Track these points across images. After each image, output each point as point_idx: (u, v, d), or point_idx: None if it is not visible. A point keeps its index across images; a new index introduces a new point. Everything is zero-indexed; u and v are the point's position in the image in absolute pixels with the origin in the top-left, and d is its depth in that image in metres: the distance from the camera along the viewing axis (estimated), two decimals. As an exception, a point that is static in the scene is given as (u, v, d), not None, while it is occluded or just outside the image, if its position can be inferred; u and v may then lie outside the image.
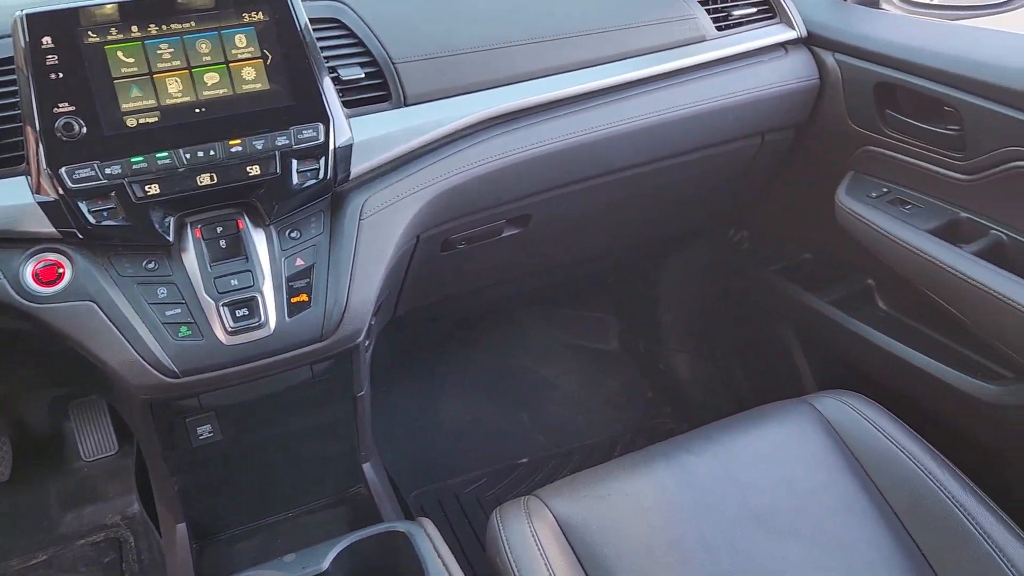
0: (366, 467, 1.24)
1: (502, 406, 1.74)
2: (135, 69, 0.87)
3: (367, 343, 1.08)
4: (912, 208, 1.17)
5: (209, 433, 1.03)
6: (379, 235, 0.96)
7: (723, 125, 1.23)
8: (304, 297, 0.91)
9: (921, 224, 1.14)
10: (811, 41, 1.27)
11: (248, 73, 0.90)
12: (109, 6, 0.86)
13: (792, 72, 1.24)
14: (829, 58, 1.25)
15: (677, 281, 1.75)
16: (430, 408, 1.72)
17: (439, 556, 0.91)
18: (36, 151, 0.84)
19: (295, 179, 0.91)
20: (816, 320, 1.41)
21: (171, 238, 0.89)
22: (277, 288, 0.91)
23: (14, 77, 0.87)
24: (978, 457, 1.10)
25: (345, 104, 0.98)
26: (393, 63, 1.03)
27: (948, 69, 1.08)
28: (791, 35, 1.25)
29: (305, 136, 0.91)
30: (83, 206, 0.84)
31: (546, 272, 1.53)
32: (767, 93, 1.22)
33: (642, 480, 1.01)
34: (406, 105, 1.03)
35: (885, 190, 1.22)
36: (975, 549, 0.92)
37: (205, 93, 0.89)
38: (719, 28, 1.22)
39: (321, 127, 0.92)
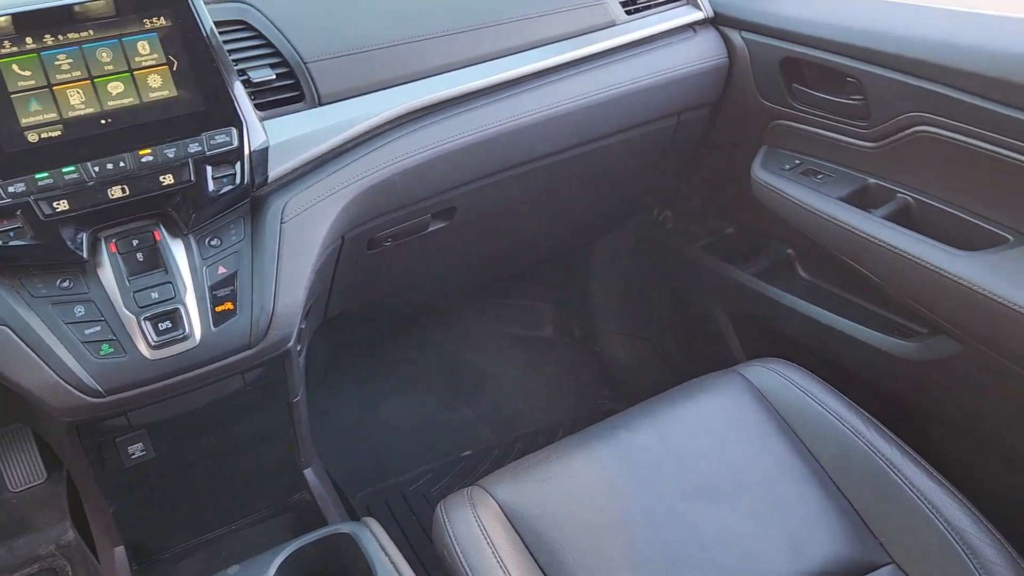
0: (307, 473, 1.22)
1: (443, 401, 1.74)
2: (33, 82, 0.84)
3: (299, 348, 1.07)
4: (823, 177, 1.21)
5: (141, 452, 1.00)
6: (302, 237, 0.95)
7: (639, 107, 1.25)
8: (229, 305, 0.90)
9: (833, 192, 1.18)
10: (718, 21, 1.30)
11: (154, 80, 0.88)
12: (1, 19, 0.83)
13: (701, 52, 1.27)
14: (736, 37, 1.28)
15: (607, 264, 1.77)
16: (370, 408, 1.71)
17: (386, 554, 0.90)
18: None
19: (211, 186, 0.89)
20: (741, 292, 1.44)
21: (85, 254, 0.86)
22: (200, 298, 0.89)
23: None
24: (900, 412, 1.15)
25: (258, 107, 0.96)
26: (304, 63, 1.02)
27: (848, 41, 1.12)
28: (698, 16, 1.28)
29: (218, 141, 0.89)
30: None
31: (477, 264, 1.53)
32: (679, 74, 1.25)
33: (583, 460, 1.03)
34: (321, 104, 1.01)
35: (797, 162, 1.26)
36: (902, 499, 0.96)
37: (110, 103, 0.86)
38: (628, 12, 1.24)
39: (234, 131, 0.90)
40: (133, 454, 1.00)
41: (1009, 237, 1.02)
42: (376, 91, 1.05)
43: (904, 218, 1.12)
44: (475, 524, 0.95)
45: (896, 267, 1.07)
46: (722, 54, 1.28)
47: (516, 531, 0.96)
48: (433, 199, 1.15)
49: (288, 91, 1.01)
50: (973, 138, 1.01)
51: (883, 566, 0.93)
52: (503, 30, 1.15)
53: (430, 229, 1.20)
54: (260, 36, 1.03)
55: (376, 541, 0.92)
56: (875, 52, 1.09)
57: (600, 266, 1.77)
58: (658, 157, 1.40)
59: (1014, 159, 0.98)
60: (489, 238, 1.39)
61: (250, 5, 1.05)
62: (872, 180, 1.17)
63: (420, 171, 1.07)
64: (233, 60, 0.97)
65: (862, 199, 1.17)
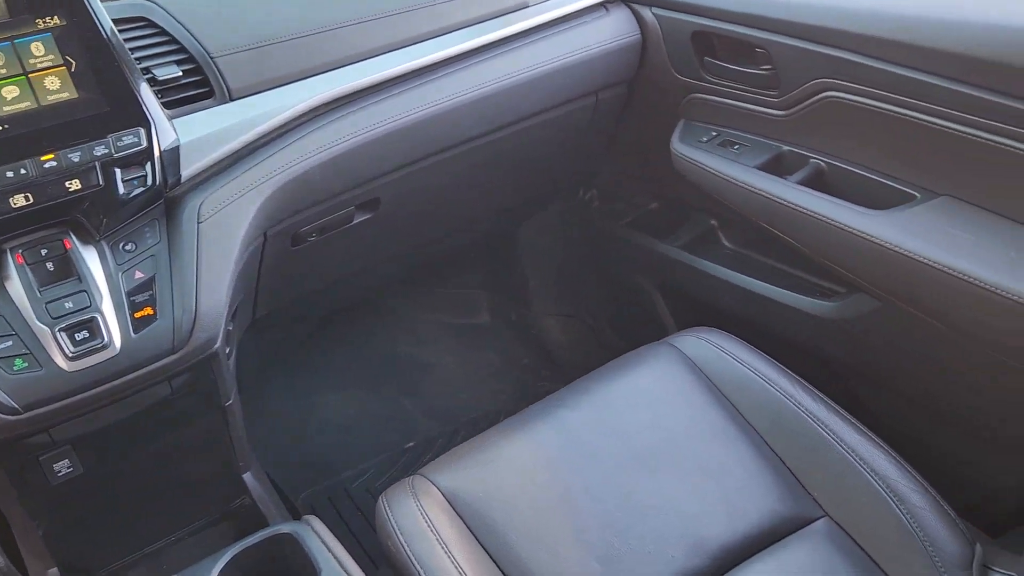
0: (246, 477, 1.20)
1: (383, 394, 1.73)
2: (-81, 91, 0.80)
3: (227, 350, 1.04)
4: (740, 148, 1.24)
5: (68, 468, 0.97)
6: (222, 236, 0.93)
7: (556, 88, 1.26)
8: (149, 311, 0.87)
9: (749, 161, 1.21)
10: (629, -2, 1.32)
11: (52, 83, 0.85)
12: None
13: (614, 30, 1.28)
14: (647, 13, 1.29)
15: (537, 247, 1.78)
16: (309, 406, 1.69)
17: (329, 551, 0.90)
18: None
19: (121, 189, 0.86)
20: (670, 265, 1.47)
21: (-10, 268, 0.83)
22: (118, 305, 0.86)
23: None
24: (827, 370, 1.19)
25: (166, 105, 0.94)
26: (211, 57, 0.99)
27: (755, 12, 1.15)
28: (609, -7, 1.29)
29: (126, 143, 0.86)
30: None
31: (407, 254, 1.52)
32: (594, 53, 1.26)
33: (522, 442, 1.03)
34: (232, 99, 0.99)
35: (714, 134, 1.28)
36: (831, 454, 1.00)
37: (5, 109, 0.82)
38: (540, -7, 1.24)
39: (142, 131, 0.87)
40: (59, 471, 0.96)
41: (916, 194, 1.06)
42: (289, 83, 1.03)
43: (818, 182, 1.15)
44: (418, 513, 0.95)
45: (812, 230, 1.11)
46: (634, 31, 1.30)
47: (460, 516, 0.96)
48: (356, 191, 1.13)
49: (196, 87, 0.98)
50: (877, 100, 1.05)
51: (817, 519, 0.96)
52: (417, 16, 1.14)
53: (355, 221, 1.19)
54: (164, 32, 1.00)
55: (319, 539, 0.91)
56: (780, 22, 1.12)
57: (531, 249, 1.78)
58: (580, 137, 1.41)
59: (917, 119, 1.01)
60: (416, 227, 1.38)
61: (152, 1, 1.02)
62: (786, 147, 1.20)
63: (340, 163, 1.06)
64: (137, 58, 0.94)
65: (777, 166, 1.20)
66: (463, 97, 1.14)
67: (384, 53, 1.11)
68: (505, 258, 1.82)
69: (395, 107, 1.10)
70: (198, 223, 0.92)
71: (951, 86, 0.96)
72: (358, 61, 1.09)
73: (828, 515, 0.96)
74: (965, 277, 0.96)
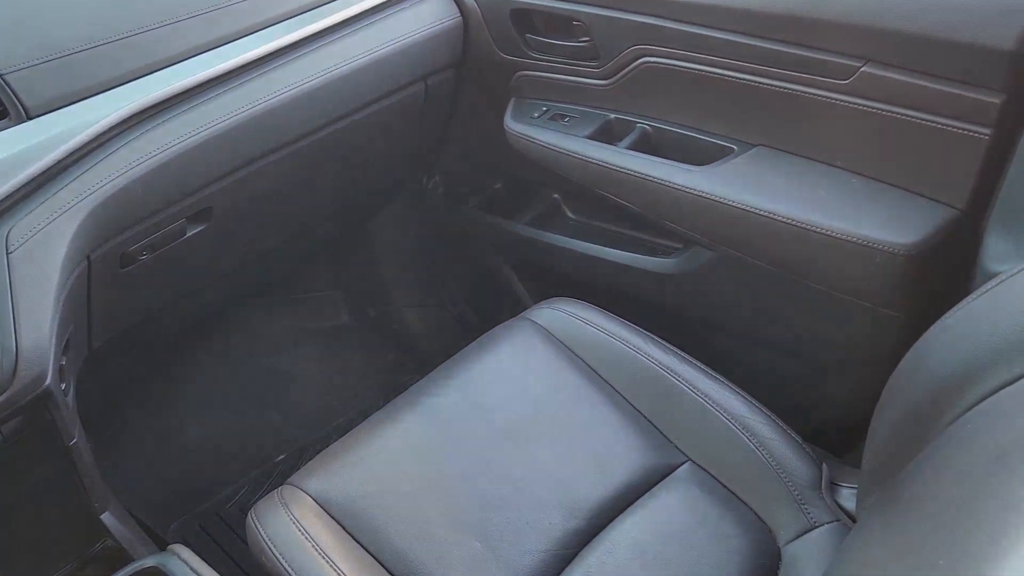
0: (105, 517, 1.13)
1: (247, 410, 1.67)
2: None
3: (63, 386, 0.98)
4: (570, 120, 1.27)
5: None
6: (36, 266, 0.86)
7: (383, 77, 1.24)
8: (-38, 354, 0.80)
9: (580, 132, 1.24)
10: (446, -19, 1.32)
11: None
12: None
13: (435, 14, 1.28)
14: (465, -6, 1.30)
15: (388, 240, 1.76)
16: (169, 432, 1.61)
17: (200, 576, 0.86)
18: None
19: (-90, 228, 0.79)
20: (520, 242, 1.49)
21: None
22: (-75, 353, 0.79)
23: None
24: (674, 323, 1.24)
25: (-47, 132, 0.86)
26: (1, 75, 0.92)
27: (567, -14, 1.18)
28: (424, -22, 1.29)
29: None
30: None
31: (252, 262, 1.47)
32: (416, 38, 1.25)
33: (390, 435, 1.03)
34: (31, 118, 0.92)
35: (544, 108, 1.31)
36: (687, 401, 1.05)
37: None
38: (355, -18, 1.22)
39: None
40: None
41: (734, 147, 1.12)
42: (96, 94, 0.97)
43: (645, 145, 1.20)
44: (290, 523, 0.92)
45: (644, 191, 1.15)
46: (454, 14, 1.30)
47: (335, 520, 0.94)
48: (184, 202, 1.08)
49: (-13, 109, 0.91)
50: (689, 62, 1.10)
51: (681, 465, 1.01)
52: (226, 14, 1.10)
53: (188, 234, 1.13)
54: None
55: (187, 567, 0.87)
56: (592, -7, 1.16)
57: (382, 243, 1.76)
58: (414, 125, 1.41)
59: (725, 76, 1.07)
60: (256, 234, 1.34)
61: None
62: (612, 115, 1.24)
63: (161, 174, 1.00)
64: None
65: (607, 134, 1.24)
66: (286, 94, 1.11)
67: (198, 54, 1.06)
68: (357, 255, 1.79)
69: (215, 110, 1.05)
70: (7, 254, 0.85)
71: (751, 42, 1.03)
72: (170, 65, 1.04)
73: (691, 459, 1.01)
74: (783, 219, 1.02)
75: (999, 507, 0.49)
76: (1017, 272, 0.67)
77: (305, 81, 1.14)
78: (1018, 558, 0.44)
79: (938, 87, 0.91)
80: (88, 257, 0.97)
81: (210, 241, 1.19)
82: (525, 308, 1.21)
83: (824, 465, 0.99)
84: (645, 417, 1.06)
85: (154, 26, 1.04)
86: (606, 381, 1.09)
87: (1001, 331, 0.65)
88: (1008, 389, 0.61)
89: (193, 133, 1.03)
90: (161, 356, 1.65)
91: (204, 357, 1.69)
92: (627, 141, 1.20)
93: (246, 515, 1.24)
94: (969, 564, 0.47)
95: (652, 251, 1.30)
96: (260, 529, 0.92)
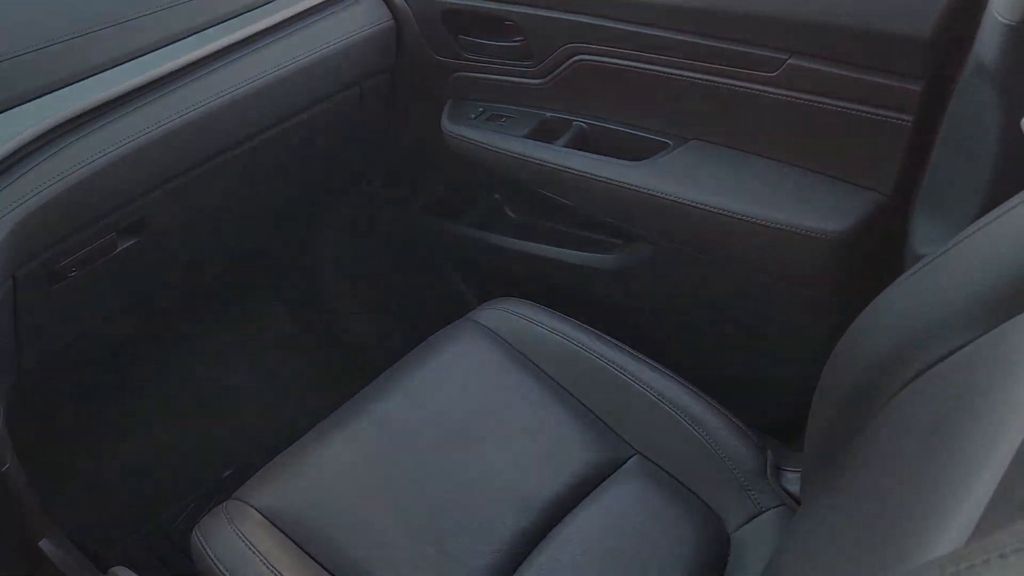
0: (43, 544, 1.09)
1: (191, 426, 1.63)
2: None
3: (-9, 411, 0.94)
4: (507, 120, 1.27)
5: None
6: None
7: (316, 82, 1.22)
8: None
9: (517, 132, 1.24)
10: (377, -17, 1.30)
11: None
12: None
13: (366, 17, 1.27)
14: (396, -3, 1.29)
15: (332, 246, 1.74)
16: (111, 453, 1.56)
17: (144, 599, 0.84)
18: None
19: None
20: (463, 244, 1.49)
21: None
22: None
23: None
24: (618, 317, 1.25)
25: None
26: (-92, 89, 0.88)
27: (497, -14, 1.18)
28: (356, -19, 1.28)
29: None
30: None
31: (191, 276, 1.44)
32: (348, 42, 1.24)
33: (337, 443, 1.01)
34: (-57, 134, 0.89)
35: (481, 109, 1.31)
36: (633, 394, 1.05)
37: None
38: (285, -14, 1.20)
39: None
40: None
41: (669, 142, 1.13)
42: (12, 107, 0.94)
43: (583, 143, 1.21)
44: (236, 539, 0.90)
45: (582, 188, 1.16)
46: (387, 16, 1.29)
47: (283, 532, 0.93)
48: (113, 215, 1.05)
49: None
50: (621, 59, 1.11)
51: (629, 458, 1.01)
52: (152, 20, 1.08)
53: (120, 248, 1.10)
54: None
55: (130, 589, 0.85)
56: (523, -7, 1.16)
57: (324, 250, 1.74)
58: (350, 130, 1.39)
59: (657, 71, 1.09)
60: (194, 245, 1.31)
61: None
62: (549, 114, 1.25)
63: (88, 187, 0.97)
64: None
65: (544, 133, 1.24)
66: (216, 102, 1.09)
67: (123, 63, 1.04)
68: (299, 264, 1.77)
69: (142, 120, 1.02)
70: (-75, 275, 0.82)
71: (681, 37, 1.04)
72: (94, 74, 1.01)
73: (638, 452, 1.02)
74: (719, 211, 1.04)
75: (932, 481, 0.51)
76: (942, 254, 0.69)
77: (235, 88, 1.12)
78: (954, 528, 0.45)
79: (861, 76, 0.94)
80: (13, 276, 0.94)
81: (144, 254, 1.15)
82: (471, 309, 1.21)
83: (769, 451, 1.00)
84: (592, 412, 1.06)
85: (76, 35, 1.01)
86: (552, 378, 1.09)
87: (930, 311, 0.66)
88: (939, 366, 0.63)
89: (120, 144, 1.00)
90: (100, 375, 1.60)
91: (145, 374, 1.64)
92: (564, 139, 1.21)
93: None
94: (908, 537, 0.48)
95: (594, 248, 1.31)
96: (206, 546, 0.90)
